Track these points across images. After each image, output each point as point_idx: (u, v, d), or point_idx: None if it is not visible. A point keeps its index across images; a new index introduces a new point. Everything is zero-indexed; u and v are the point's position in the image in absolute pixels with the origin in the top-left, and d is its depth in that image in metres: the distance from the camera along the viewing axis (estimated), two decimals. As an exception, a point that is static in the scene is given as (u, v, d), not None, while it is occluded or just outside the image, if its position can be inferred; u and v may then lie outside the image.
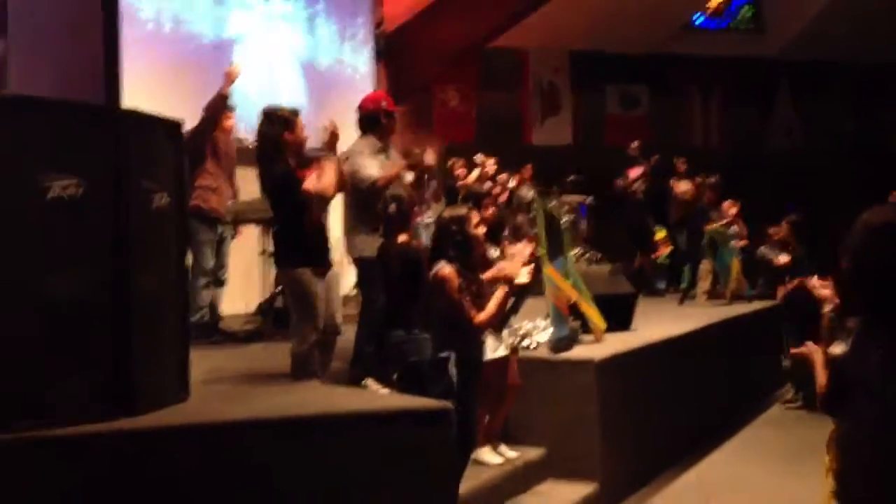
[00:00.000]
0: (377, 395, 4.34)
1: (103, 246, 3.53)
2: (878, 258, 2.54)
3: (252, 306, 7.60)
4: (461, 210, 4.08)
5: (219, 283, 6.61)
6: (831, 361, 2.71)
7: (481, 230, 4.04)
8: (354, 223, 5.25)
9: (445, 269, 3.88)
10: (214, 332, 6.44)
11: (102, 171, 3.53)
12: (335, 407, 3.82)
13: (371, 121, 5.33)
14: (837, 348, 2.72)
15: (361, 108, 5.42)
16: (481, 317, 3.88)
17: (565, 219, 11.06)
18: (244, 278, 7.90)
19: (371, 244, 4.94)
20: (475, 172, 10.04)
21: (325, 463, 3.51)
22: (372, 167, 5.12)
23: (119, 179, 3.55)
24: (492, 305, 3.92)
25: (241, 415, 3.69)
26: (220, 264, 6.58)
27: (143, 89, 7.70)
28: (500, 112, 14.18)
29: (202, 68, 8.44)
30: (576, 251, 11.08)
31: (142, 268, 3.64)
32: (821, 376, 2.72)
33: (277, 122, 4.66)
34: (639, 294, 6.84)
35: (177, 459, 3.39)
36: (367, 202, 5.02)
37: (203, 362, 5.63)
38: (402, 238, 4.25)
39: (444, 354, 3.84)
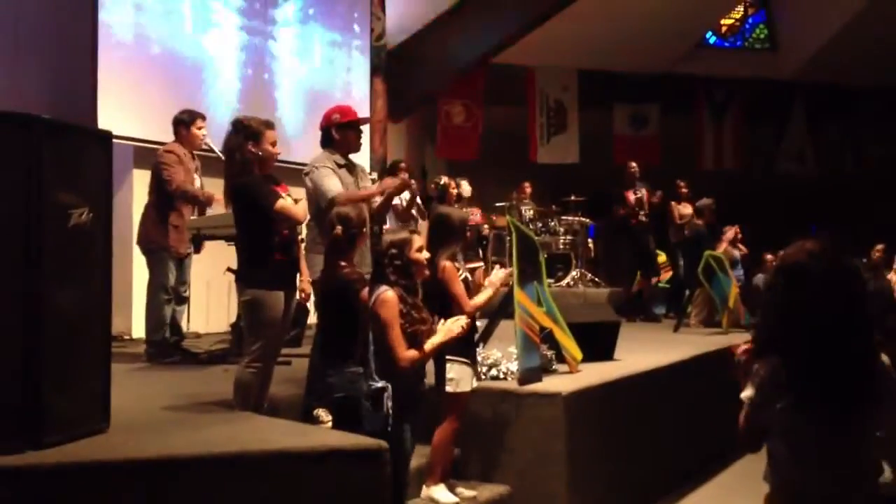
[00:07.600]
0: (314, 431, 4.05)
1: (10, 263, 3.32)
2: (789, 299, 2.34)
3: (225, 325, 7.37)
4: (402, 234, 3.81)
5: (181, 300, 6.36)
6: (744, 405, 2.51)
7: (424, 255, 3.76)
8: (313, 242, 4.98)
9: (385, 294, 3.61)
10: (175, 351, 6.18)
11: (12, 183, 3.33)
12: (263, 443, 3.54)
13: (325, 135, 5.08)
14: (746, 392, 2.48)
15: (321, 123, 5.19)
16: (407, 355, 3.59)
17: (563, 239, 10.89)
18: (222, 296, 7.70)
19: None
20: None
21: None
22: (331, 183, 4.87)
23: (30, 192, 3.34)
24: (426, 348, 3.64)
25: (160, 450, 3.43)
26: (182, 280, 6.33)
27: (120, 107, 7.53)
28: (506, 129, 13.91)
29: (180, 86, 8.25)
30: (573, 274, 10.85)
31: (56, 286, 3.41)
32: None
33: (242, 132, 4.42)
34: (620, 323, 6.46)
35: (85, 499, 3.16)
36: (325, 220, 4.76)
37: (157, 384, 5.42)
38: (343, 263, 3.96)
39: (379, 384, 3.55)
